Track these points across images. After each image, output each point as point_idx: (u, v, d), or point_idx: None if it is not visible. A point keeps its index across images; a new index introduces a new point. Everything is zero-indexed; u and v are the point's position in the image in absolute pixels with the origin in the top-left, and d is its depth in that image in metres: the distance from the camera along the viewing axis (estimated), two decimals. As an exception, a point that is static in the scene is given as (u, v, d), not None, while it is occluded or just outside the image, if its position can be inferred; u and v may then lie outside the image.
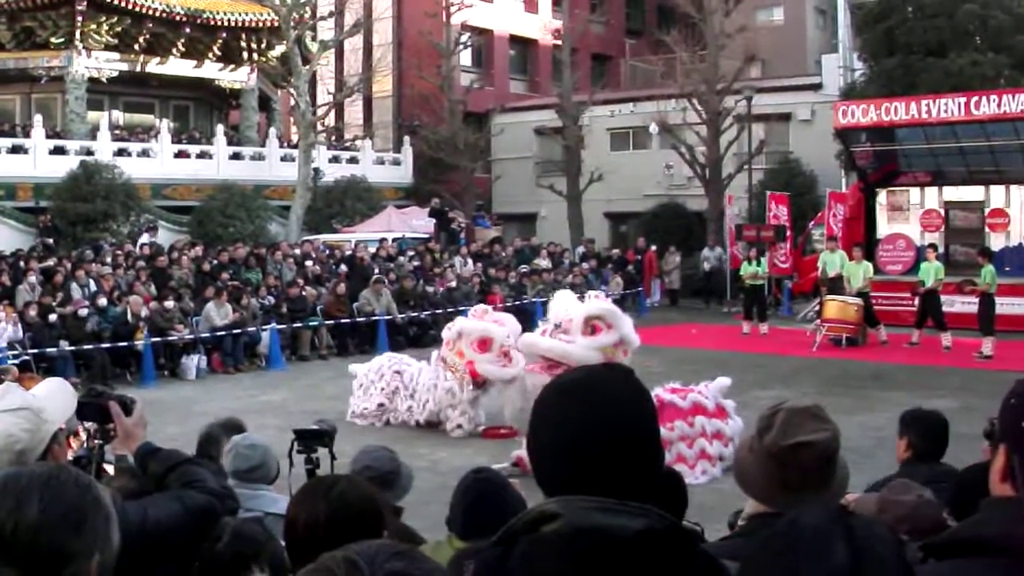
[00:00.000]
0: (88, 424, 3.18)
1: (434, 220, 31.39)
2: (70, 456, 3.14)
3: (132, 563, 2.13)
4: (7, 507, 1.74)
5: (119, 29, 31.18)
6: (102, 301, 19.33)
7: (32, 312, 18.23)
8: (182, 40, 32.90)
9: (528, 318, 18.99)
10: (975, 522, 1.93)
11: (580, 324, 10.94)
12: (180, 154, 31.98)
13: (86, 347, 18.18)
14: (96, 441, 3.14)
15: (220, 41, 33.87)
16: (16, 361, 16.43)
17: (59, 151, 29.09)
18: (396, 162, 37.76)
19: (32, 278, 20.10)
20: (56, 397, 2.89)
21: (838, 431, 2.54)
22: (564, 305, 11.53)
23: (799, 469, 2.43)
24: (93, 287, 20.49)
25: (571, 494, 1.87)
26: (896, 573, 1.64)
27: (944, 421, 4.93)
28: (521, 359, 12.70)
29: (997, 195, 24.72)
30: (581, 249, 31.28)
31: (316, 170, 31.94)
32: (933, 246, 21.83)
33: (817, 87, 34.08)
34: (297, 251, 25.76)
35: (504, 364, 13.14)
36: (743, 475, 2.57)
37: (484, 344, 13.25)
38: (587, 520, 1.82)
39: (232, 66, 34.98)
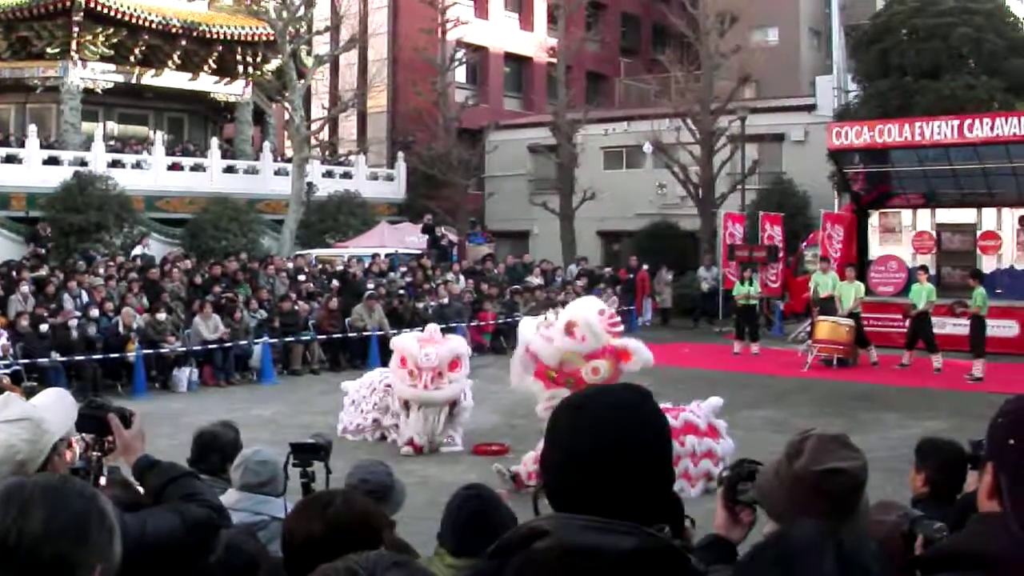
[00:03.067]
0: (86, 436, 3.17)
1: (427, 236, 31.41)
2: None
3: (130, 575, 2.14)
4: (11, 516, 1.75)
5: (115, 40, 31.20)
6: (94, 312, 19.30)
7: (23, 322, 18.11)
8: (178, 52, 32.94)
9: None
10: (961, 537, 1.98)
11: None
12: (174, 166, 31.99)
13: (77, 358, 18.12)
14: (94, 453, 3.14)
15: (216, 54, 33.92)
16: (7, 371, 16.41)
17: (53, 161, 29.09)
18: (389, 178, 37.76)
19: (24, 288, 20.02)
20: (57, 408, 2.89)
21: (866, 460, 2.53)
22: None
23: (828, 496, 2.40)
24: (85, 298, 20.45)
25: (576, 510, 1.89)
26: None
27: (963, 452, 4.51)
28: (447, 382, 13.15)
29: (989, 218, 24.74)
30: (573, 267, 31.28)
31: (310, 184, 31.94)
32: (925, 268, 21.85)
33: (811, 108, 34.21)
34: (290, 265, 25.75)
35: (411, 383, 13.25)
36: (768, 500, 2.55)
37: (404, 361, 13.48)
38: (576, 538, 1.83)
39: (227, 79, 35.04)
